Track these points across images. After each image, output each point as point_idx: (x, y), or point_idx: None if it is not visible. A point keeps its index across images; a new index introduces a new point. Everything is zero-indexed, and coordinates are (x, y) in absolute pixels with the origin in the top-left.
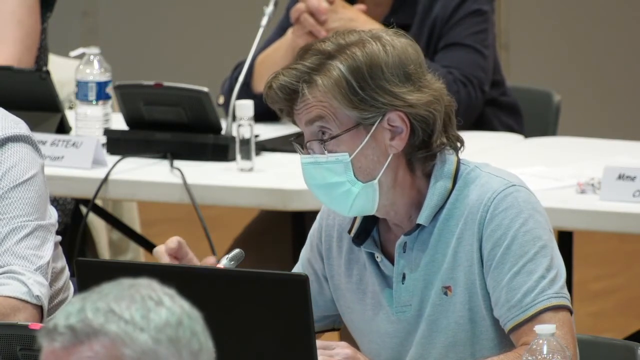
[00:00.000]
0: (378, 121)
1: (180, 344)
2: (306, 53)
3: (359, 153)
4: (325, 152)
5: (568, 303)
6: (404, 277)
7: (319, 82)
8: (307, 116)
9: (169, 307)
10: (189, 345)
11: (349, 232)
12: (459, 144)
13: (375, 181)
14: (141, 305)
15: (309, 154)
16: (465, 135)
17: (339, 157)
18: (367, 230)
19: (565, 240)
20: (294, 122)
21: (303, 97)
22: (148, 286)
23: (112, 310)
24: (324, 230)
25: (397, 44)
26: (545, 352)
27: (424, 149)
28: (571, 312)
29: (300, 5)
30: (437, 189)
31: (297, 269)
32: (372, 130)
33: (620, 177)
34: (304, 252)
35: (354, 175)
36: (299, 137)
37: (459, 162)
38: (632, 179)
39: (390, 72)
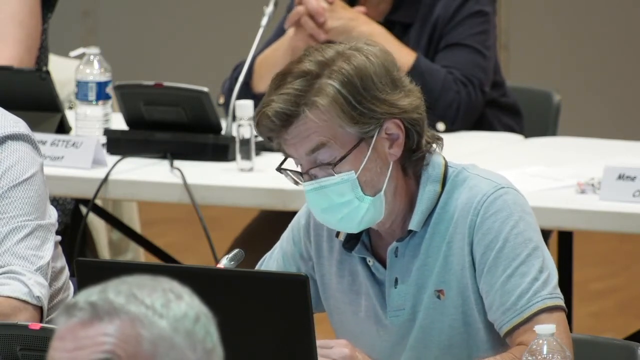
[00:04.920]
0: (377, 132)
1: (196, 339)
2: (287, 77)
3: (364, 168)
4: (334, 174)
5: (562, 303)
6: (396, 282)
7: (318, 102)
8: (307, 146)
9: (188, 302)
10: (204, 342)
11: (337, 236)
12: (437, 142)
13: (382, 193)
14: (162, 295)
15: (310, 179)
16: (466, 135)
17: (345, 176)
18: (357, 234)
19: (565, 240)
20: (281, 150)
21: (304, 121)
22: (168, 282)
23: (133, 294)
24: (313, 229)
25: (377, 52)
26: (545, 352)
27: (417, 151)
28: (565, 312)
29: (299, 9)
30: (426, 193)
31: (275, 259)
32: (372, 143)
33: (620, 177)
34: (286, 246)
35: (362, 191)
36: (283, 163)
37: (446, 164)
38: (632, 179)
39: (379, 81)
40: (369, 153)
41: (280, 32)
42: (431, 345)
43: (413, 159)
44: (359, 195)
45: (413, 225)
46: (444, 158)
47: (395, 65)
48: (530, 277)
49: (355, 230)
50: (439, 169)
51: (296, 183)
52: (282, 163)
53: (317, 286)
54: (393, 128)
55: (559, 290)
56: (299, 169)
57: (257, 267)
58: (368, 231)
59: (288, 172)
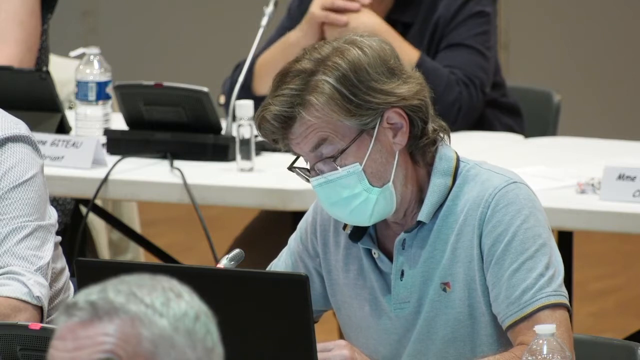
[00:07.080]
0: (378, 123)
1: (196, 337)
2: (286, 77)
3: (368, 159)
4: (338, 167)
5: (566, 301)
6: (402, 274)
7: (313, 101)
8: (310, 143)
9: (188, 301)
10: (204, 341)
11: (344, 228)
12: (444, 131)
13: (390, 183)
14: (162, 294)
15: (317, 174)
16: (466, 135)
17: (350, 169)
18: (364, 226)
19: (565, 240)
20: (289, 150)
21: (301, 121)
22: (168, 281)
23: (133, 293)
24: (319, 225)
25: (373, 44)
26: (545, 352)
27: (423, 137)
28: (569, 310)
29: (317, 12)
30: (437, 186)
31: (284, 261)
32: (374, 134)
33: (620, 177)
34: (293, 246)
35: (369, 183)
36: (294, 162)
37: (458, 159)
38: (632, 179)
39: (375, 71)
40: (372, 144)
41: (280, 32)
42: (435, 338)
43: (420, 145)
44: (366, 187)
45: (422, 216)
46: (456, 152)
47: (392, 53)
48: (536, 273)
49: (367, 223)
50: (451, 162)
51: (307, 180)
52: (293, 162)
53: (324, 283)
54: (395, 117)
55: (564, 289)
56: (308, 166)
57: None
58: (375, 223)
59: (297, 169)
